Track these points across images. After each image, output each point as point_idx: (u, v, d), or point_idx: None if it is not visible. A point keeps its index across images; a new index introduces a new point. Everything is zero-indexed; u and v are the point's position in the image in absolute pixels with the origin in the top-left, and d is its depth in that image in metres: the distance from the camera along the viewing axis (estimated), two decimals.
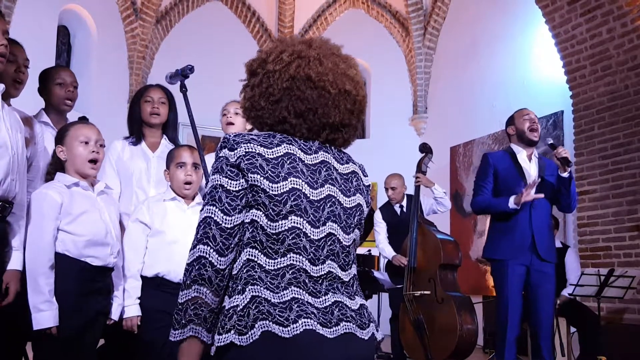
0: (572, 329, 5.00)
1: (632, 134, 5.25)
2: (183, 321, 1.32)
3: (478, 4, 7.45)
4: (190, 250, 1.34)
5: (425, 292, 4.60)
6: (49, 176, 2.47)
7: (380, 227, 5.35)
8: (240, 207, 1.33)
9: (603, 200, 5.37)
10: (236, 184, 1.33)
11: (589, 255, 5.51)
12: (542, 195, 3.55)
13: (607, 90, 5.45)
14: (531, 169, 3.77)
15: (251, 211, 1.33)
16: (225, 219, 1.32)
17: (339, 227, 1.38)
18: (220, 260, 1.31)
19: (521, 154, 3.80)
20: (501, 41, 7.03)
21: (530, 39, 6.60)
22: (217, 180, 1.34)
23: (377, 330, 1.43)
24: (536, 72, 6.53)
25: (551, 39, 5.92)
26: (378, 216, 5.40)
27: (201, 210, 1.35)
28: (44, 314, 2.20)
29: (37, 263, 2.25)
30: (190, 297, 1.31)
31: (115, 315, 2.51)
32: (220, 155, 1.36)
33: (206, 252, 1.31)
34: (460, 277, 4.88)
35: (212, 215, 1.32)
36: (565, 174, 3.61)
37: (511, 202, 3.61)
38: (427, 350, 4.49)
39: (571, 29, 5.65)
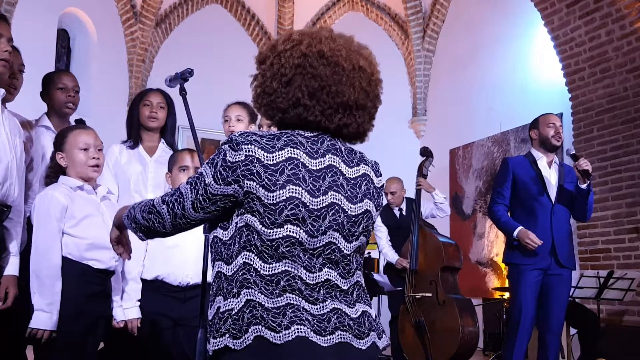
0: (572, 331, 4.99)
1: (631, 136, 5.25)
2: (133, 225, 1.46)
3: (477, 7, 7.46)
4: (162, 199, 1.38)
5: (427, 295, 4.60)
6: (49, 179, 2.47)
7: (382, 231, 5.35)
8: (209, 210, 1.33)
9: (602, 203, 5.37)
10: (217, 189, 1.31)
11: (589, 257, 5.51)
12: (541, 242, 3.58)
13: (606, 92, 5.46)
14: (551, 176, 3.77)
15: (245, 216, 1.30)
16: (190, 212, 1.35)
17: (340, 236, 1.34)
18: (169, 227, 1.39)
19: (541, 160, 3.80)
20: (500, 44, 7.04)
21: (529, 42, 6.60)
22: (206, 174, 1.33)
23: (381, 338, 1.39)
24: (535, 75, 6.53)
25: (550, 42, 5.93)
26: (378, 220, 5.40)
27: (186, 182, 1.37)
28: (45, 315, 2.20)
29: (43, 264, 2.24)
30: (139, 221, 1.43)
31: (120, 317, 2.51)
32: (222, 148, 1.33)
33: (164, 216, 1.37)
34: (460, 279, 4.88)
35: (184, 199, 1.34)
36: (584, 186, 3.61)
37: (515, 234, 3.66)
38: (427, 352, 4.49)
39: (570, 31, 5.66)
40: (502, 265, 6.07)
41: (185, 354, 2.54)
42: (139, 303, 2.58)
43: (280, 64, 1.35)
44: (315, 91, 1.33)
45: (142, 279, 2.62)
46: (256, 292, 1.27)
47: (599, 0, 5.34)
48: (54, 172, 2.45)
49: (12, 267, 2.29)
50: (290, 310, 1.26)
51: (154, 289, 2.61)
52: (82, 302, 2.32)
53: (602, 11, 5.33)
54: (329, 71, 1.33)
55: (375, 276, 5.53)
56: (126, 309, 2.54)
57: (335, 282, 1.34)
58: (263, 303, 1.26)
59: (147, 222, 1.41)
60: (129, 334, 2.54)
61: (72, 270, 2.30)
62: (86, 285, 2.34)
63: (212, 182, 1.31)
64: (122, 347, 2.63)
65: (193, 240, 2.36)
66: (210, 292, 1.38)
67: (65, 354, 2.26)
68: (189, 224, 1.38)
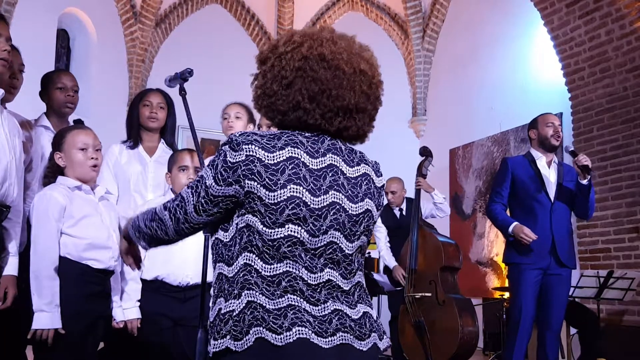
0: (573, 331, 4.99)
1: (630, 135, 5.25)
2: (137, 234, 1.48)
3: (477, 7, 7.46)
4: (164, 206, 1.38)
5: (426, 294, 4.60)
6: (47, 180, 2.47)
7: (381, 231, 5.35)
8: (213, 212, 1.33)
9: (602, 202, 5.37)
10: (218, 190, 1.31)
11: (589, 257, 5.51)
12: (536, 237, 3.60)
13: (606, 92, 5.45)
14: (550, 175, 3.77)
15: (247, 216, 1.30)
16: (193, 215, 1.34)
17: (342, 236, 1.34)
18: (174, 235, 1.40)
19: (541, 160, 3.80)
20: (500, 43, 7.04)
21: (529, 41, 6.60)
22: (207, 176, 1.33)
23: (382, 339, 1.39)
24: (535, 74, 6.53)
25: (550, 41, 5.93)
26: (378, 220, 5.39)
27: (188, 185, 1.37)
28: (46, 314, 2.20)
29: (42, 264, 2.25)
30: (142, 230, 1.44)
31: (119, 317, 2.51)
32: (222, 149, 1.33)
33: (167, 223, 1.38)
34: (460, 279, 4.88)
35: (186, 203, 1.35)
36: (585, 182, 3.60)
37: (511, 230, 3.69)
38: (427, 352, 4.49)
39: (570, 31, 5.66)
40: (502, 265, 6.06)
41: (185, 354, 2.55)
42: (138, 303, 2.58)
43: (281, 66, 1.34)
44: (315, 95, 1.33)
45: (141, 279, 2.62)
46: (257, 294, 1.26)
47: (599, 0, 5.34)
48: (52, 173, 2.45)
49: (11, 267, 2.29)
50: (292, 312, 1.25)
51: (153, 289, 2.61)
52: (82, 302, 2.32)
53: (602, 11, 5.33)
54: (330, 75, 1.32)
55: (375, 276, 5.53)
56: (126, 309, 2.54)
57: (337, 282, 1.34)
58: (264, 304, 1.25)
59: (150, 230, 1.42)
60: (129, 334, 2.54)
61: (71, 270, 2.30)
62: (85, 285, 2.34)
63: (213, 184, 1.31)
64: (122, 347, 2.63)
65: (193, 240, 2.34)
66: (212, 293, 1.38)
67: (64, 354, 2.26)
68: (192, 228, 1.38)
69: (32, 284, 2.23)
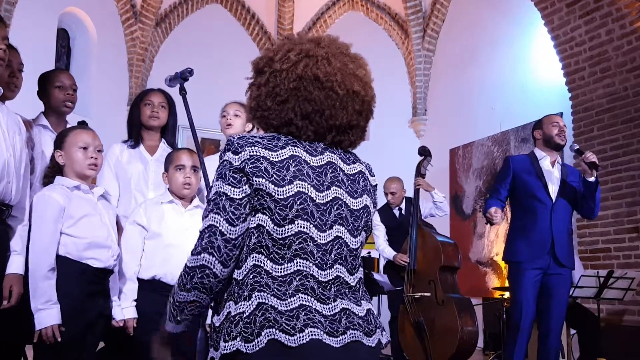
0: (572, 331, 4.99)
1: (631, 135, 5.25)
2: (178, 318, 1.41)
3: (477, 6, 7.46)
4: (192, 254, 1.32)
5: (426, 294, 4.60)
6: (47, 179, 2.47)
7: (379, 229, 5.36)
8: (244, 215, 1.30)
9: (602, 202, 5.35)
10: (239, 192, 1.30)
11: (589, 257, 5.51)
12: (501, 217, 3.66)
13: (606, 92, 5.45)
14: (553, 174, 3.77)
15: (257, 215, 1.31)
16: (230, 230, 1.30)
17: (346, 230, 1.36)
18: (223, 271, 1.31)
19: (545, 159, 3.80)
20: (500, 43, 7.04)
21: (529, 41, 6.60)
22: (220, 187, 1.31)
23: (383, 335, 1.41)
24: (535, 74, 6.53)
25: (550, 41, 5.93)
26: (376, 218, 5.40)
27: (205, 217, 1.32)
28: (44, 312, 2.20)
29: (38, 266, 2.24)
30: (188, 300, 1.36)
31: (119, 316, 2.51)
32: (225, 159, 1.33)
33: (210, 262, 1.30)
34: (460, 279, 4.88)
35: (217, 225, 1.30)
36: (592, 179, 3.60)
37: (490, 212, 3.73)
38: (427, 352, 4.49)
39: (570, 31, 5.66)
40: (502, 265, 6.07)
41: (183, 354, 2.54)
42: (135, 303, 2.57)
43: (275, 83, 1.36)
44: (308, 114, 1.35)
45: (139, 279, 2.61)
46: (268, 295, 1.27)
47: (599, 0, 5.34)
48: (52, 172, 2.45)
49: (16, 266, 2.27)
50: (303, 313, 1.27)
51: (151, 289, 2.60)
52: (82, 301, 2.32)
53: (602, 10, 5.33)
54: (323, 96, 1.35)
55: (375, 276, 5.53)
56: (123, 308, 2.54)
57: (345, 278, 1.36)
58: (276, 306, 1.26)
59: (196, 297, 1.34)
60: (126, 334, 2.54)
61: (71, 269, 2.30)
62: (85, 284, 2.34)
63: (232, 189, 1.30)
64: (121, 347, 2.63)
65: (192, 239, 2.36)
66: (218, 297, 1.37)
67: (64, 352, 2.26)
68: (234, 247, 1.31)
69: (30, 286, 2.23)
